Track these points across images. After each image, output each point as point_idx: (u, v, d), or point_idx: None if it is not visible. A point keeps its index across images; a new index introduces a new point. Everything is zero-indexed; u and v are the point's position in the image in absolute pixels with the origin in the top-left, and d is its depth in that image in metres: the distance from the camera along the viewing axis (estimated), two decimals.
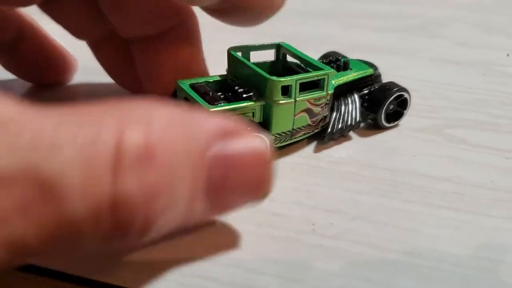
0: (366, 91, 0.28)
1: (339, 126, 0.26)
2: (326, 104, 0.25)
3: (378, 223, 0.21)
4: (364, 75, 0.27)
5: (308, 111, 0.24)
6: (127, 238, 0.12)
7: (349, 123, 0.26)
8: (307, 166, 0.25)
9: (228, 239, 0.20)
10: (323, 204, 0.22)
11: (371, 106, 0.27)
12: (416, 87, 0.32)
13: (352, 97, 0.27)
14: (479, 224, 0.21)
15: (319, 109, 0.24)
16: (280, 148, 0.25)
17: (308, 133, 0.25)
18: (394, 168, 0.25)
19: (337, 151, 0.26)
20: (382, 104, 0.27)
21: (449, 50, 0.41)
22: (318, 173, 0.24)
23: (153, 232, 0.13)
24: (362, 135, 0.28)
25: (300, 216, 0.21)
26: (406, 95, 0.28)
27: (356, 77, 0.27)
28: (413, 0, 0.53)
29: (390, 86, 0.27)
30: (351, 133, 0.28)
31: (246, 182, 0.14)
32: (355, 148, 0.27)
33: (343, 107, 0.26)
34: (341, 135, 0.26)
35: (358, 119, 0.26)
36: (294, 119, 0.23)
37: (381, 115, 0.27)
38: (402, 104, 0.28)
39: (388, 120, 0.28)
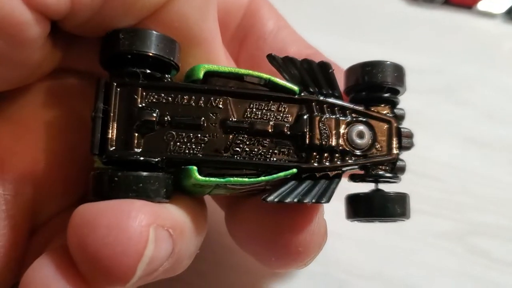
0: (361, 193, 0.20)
1: (288, 200, 0.18)
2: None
3: None
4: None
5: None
6: None
7: (305, 200, 0.18)
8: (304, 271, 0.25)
9: None
10: None
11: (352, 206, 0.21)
12: (440, 175, 0.32)
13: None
14: None
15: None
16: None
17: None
18: (413, 285, 0.25)
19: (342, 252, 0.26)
20: (361, 216, 0.20)
21: (473, 123, 0.41)
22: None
23: None
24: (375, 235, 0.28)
25: None
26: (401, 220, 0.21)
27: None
28: (443, 49, 0.51)
29: (389, 207, 0.20)
30: (362, 233, 0.27)
31: None
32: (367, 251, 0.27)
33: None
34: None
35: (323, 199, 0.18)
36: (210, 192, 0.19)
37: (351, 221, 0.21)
38: None
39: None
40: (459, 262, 0.27)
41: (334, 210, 0.25)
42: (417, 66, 0.48)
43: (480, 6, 0.56)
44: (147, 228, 0.15)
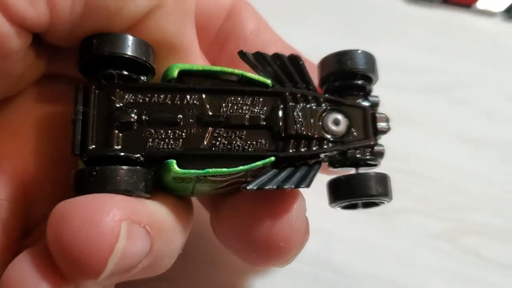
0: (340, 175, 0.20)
1: (267, 186, 0.18)
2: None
3: None
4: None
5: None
6: None
7: (285, 186, 0.18)
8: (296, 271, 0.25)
9: None
10: None
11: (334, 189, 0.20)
12: (433, 175, 0.32)
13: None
14: None
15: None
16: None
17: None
18: (404, 285, 0.25)
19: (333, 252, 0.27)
20: (342, 199, 0.20)
21: (470, 122, 0.41)
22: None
23: None
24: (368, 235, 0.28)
25: None
26: (383, 202, 0.21)
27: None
28: (441, 48, 0.51)
29: (369, 185, 0.19)
30: (354, 232, 0.27)
31: None
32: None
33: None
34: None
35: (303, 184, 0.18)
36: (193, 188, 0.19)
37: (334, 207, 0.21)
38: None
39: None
40: (451, 262, 0.27)
41: (325, 211, 0.25)
42: (415, 64, 0.48)
43: (479, 4, 0.56)
44: (119, 223, 0.15)
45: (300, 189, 0.19)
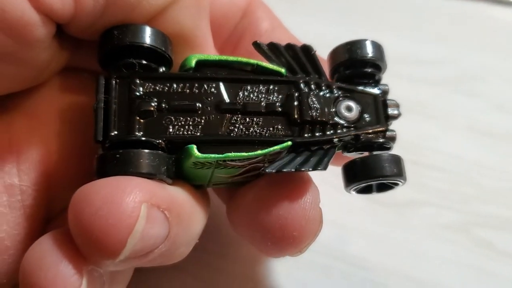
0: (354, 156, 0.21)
1: (286, 169, 0.19)
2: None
3: None
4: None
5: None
6: None
7: (303, 168, 0.19)
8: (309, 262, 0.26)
9: None
10: None
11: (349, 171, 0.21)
12: (446, 167, 0.32)
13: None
14: None
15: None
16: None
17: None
18: (417, 278, 0.25)
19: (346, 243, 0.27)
20: (357, 181, 0.20)
21: (484, 114, 0.40)
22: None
23: None
24: (379, 227, 0.28)
25: None
26: (398, 183, 0.21)
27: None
28: (456, 39, 0.51)
29: (384, 166, 0.20)
30: (367, 224, 0.28)
31: None
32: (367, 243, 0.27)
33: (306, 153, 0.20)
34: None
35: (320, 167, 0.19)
36: (211, 176, 0.20)
37: (349, 190, 0.21)
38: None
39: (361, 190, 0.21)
40: (464, 254, 0.27)
41: (340, 203, 0.25)
42: (429, 56, 0.48)
43: None
44: (139, 204, 0.16)
45: (314, 182, 0.20)
